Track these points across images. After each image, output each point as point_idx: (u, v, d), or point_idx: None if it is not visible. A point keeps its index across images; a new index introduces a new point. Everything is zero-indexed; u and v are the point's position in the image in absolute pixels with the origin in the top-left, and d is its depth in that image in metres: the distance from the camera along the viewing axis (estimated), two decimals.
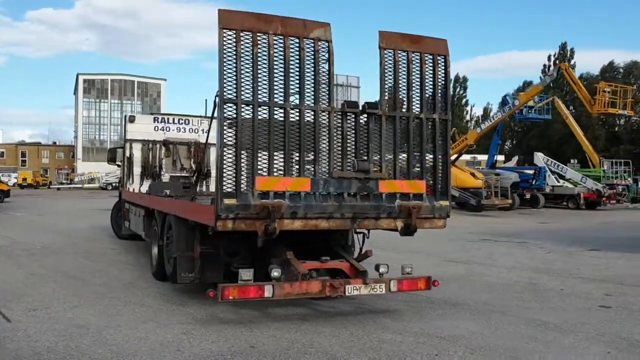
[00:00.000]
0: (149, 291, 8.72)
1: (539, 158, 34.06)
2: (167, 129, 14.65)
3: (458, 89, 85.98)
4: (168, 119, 14.77)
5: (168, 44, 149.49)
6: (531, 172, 33.14)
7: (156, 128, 14.58)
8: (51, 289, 8.77)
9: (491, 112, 62.92)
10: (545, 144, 66.45)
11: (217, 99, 6.04)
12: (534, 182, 31.94)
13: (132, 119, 14.49)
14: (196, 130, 14.87)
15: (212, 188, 14.67)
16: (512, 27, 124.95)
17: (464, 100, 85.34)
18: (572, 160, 39.57)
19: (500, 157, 51.75)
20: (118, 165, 16.89)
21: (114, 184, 67.91)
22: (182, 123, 14.82)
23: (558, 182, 33.61)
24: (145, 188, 14.30)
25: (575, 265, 11.94)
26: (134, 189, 14.01)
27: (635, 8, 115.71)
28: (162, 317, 7.14)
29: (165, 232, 8.90)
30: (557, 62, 75.82)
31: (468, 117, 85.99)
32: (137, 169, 14.34)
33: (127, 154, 14.32)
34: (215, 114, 6.22)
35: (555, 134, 68.86)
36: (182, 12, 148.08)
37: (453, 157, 28.20)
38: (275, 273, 6.52)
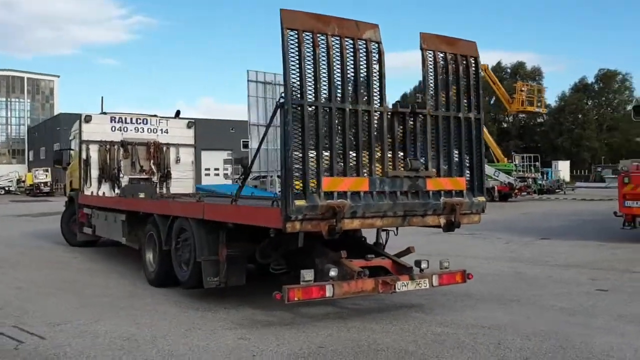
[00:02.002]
0: (158, 298, 8.38)
1: None
2: (125, 129, 14.10)
3: None
4: (125, 118, 14.19)
5: (52, 37, 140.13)
6: None
7: (113, 128, 13.98)
8: (52, 302, 8.20)
9: None
10: None
11: (283, 100, 5.95)
12: None
13: (88, 119, 13.75)
14: (155, 130, 14.43)
15: (173, 189, 14.29)
16: (405, 26, 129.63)
17: None
18: None
19: None
20: (64, 168, 15.97)
21: (7, 188, 63.55)
22: (140, 123, 14.30)
23: None
24: (104, 191, 13.68)
25: (540, 254, 12.74)
26: (102, 193, 13.35)
27: (519, 10, 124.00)
28: (201, 325, 6.90)
29: (173, 237, 8.58)
30: None
31: None
32: (94, 172, 13.67)
33: (84, 156, 13.58)
34: (278, 116, 6.11)
35: None
36: (65, 6, 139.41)
37: None
38: (333, 272, 6.54)
